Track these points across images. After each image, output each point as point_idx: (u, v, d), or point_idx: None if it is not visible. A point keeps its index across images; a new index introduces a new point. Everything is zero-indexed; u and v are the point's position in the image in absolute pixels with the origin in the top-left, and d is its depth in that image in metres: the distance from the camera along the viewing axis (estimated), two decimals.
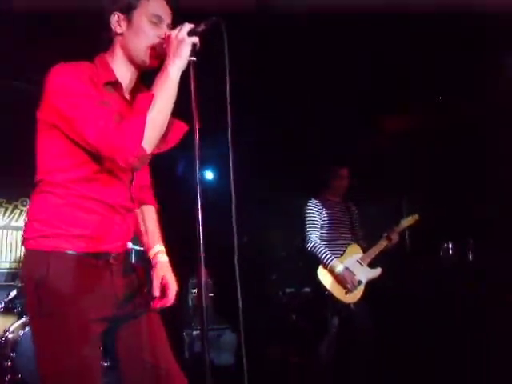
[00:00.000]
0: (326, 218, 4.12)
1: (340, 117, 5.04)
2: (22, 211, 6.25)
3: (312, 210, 4.13)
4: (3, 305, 4.32)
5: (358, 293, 3.95)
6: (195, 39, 1.58)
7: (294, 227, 4.36)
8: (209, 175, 6.53)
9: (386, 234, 4.06)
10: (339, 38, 3.98)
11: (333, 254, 3.97)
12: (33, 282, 1.62)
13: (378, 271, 4.06)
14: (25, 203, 6.27)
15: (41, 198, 1.68)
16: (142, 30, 1.69)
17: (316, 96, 4.85)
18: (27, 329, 3.87)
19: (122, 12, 1.70)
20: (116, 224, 1.73)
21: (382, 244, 4.06)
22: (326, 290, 3.90)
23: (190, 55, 1.57)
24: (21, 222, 6.23)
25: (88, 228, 1.66)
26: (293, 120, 5.35)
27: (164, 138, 1.65)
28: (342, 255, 4.03)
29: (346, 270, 3.91)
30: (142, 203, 1.98)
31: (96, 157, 1.61)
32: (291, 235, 5.64)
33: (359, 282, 3.94)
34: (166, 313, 1.87)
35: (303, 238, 4.10)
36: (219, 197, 1.57)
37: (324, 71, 4.44)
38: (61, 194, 1.65)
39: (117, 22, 1.71)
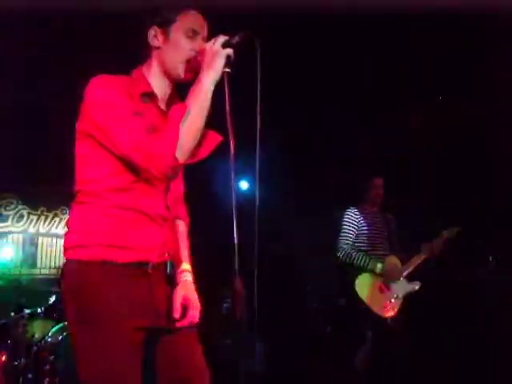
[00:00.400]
0: (363, 228, 4.07)
1: (344, 119, 5.02)
2: (61, 219, 6.41)
3: (349, 218, 4.09)
4: (43, 310, 4.44)
5: (396, 307, 3.85)
6: (229, 51, 1.59)
7: (330, 238, 4.32)
8: (244, 185, 6.53)
9: (426, 246, 3.94)
10: (344, 39, 4.01)
11: None
12: (71, 292, 1.66)
13: (416, 285, 3.95)
14: (64, 212, 6.43)
15: (79, 209, 1.72)
16: (178, 45, 1.72)
17: (322, 98, 4.84)
18: (66, 333, 3.97)
19: (160, 26, 1.73)
20: (153, 233, 1.73)
21: (422, 256, 3.95)
22: (362, 303, 3.81)
23: (225, 67, 1.59)
24: (60, 230, 6.40)
25: (125, 238, 1.68)
26: (299, 123, 5.34)
27: (196, 148, 1.66)
28: None
29: (388, 264, 3.87)
30: (174, 217, 1.94)
31: (132, 166, 1.64)
32: (326, 246, 5.60)
33: (397, 296, 3.85)
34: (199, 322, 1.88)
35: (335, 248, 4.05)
36: (254, 206, 1.57)
37: (331, 72, 4.44)
38: (97, 203, 1.68)
39: (154, 36, 1.75)
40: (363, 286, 3.88)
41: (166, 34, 1.73)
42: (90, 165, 1.70)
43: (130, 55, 1.78)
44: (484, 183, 4.38)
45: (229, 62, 1.59)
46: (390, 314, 3.83)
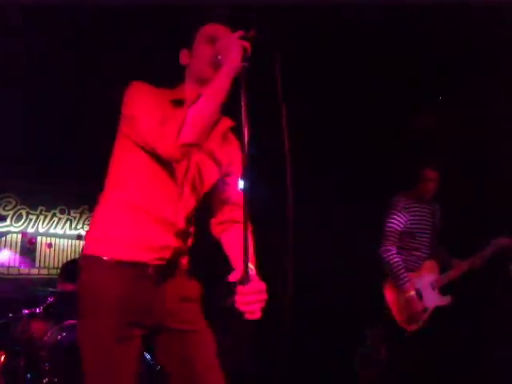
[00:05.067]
0: (409, 223, 3.66)
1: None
2: (60, 219, 6.41)
3: (397, 210, 3.66)
4: (42, 309, 4.42)
5: (422, 321, 3.54)
6: (245, 43, 1.63)
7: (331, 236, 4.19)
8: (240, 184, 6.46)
9: (470, 257, 3.64)
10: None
11: (407, 265, 3.59)
12: (80, 288, 1.79)
13: (447, 299, 3.64)
14: (63, 211, 6.42)
15: (98, 203, 1.89)
16: (200, 52, 1.89)
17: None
18: (65, 333, 3.96)
19: (186, 47, 1.95)
20: (156, 235, 1.80)
21: (462, 268, 3.65)
22: (387, 307, 3.55)
23: (242, 61, 1.62)
24: (59, 230, 6.39)
25: (128, 236, 1.77)
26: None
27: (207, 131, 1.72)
28: (416, 270, 3.65)
29: (415, 297, 3.52)
30: (231, 222, 1.99)
31: (150, 171, 1.78)
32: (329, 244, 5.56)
33: (424, 310, 3.55)
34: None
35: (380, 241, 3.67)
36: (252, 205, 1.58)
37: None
38: (111, 202, 1.83)
39: (183, 56, 1.96)
40: (393, 290, 3.58)
41: (190, 51, 1.94)
42: (115, 163, 1.88)
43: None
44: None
45: (245, 55, 1.62)
46: (413, 327, 3.54)
